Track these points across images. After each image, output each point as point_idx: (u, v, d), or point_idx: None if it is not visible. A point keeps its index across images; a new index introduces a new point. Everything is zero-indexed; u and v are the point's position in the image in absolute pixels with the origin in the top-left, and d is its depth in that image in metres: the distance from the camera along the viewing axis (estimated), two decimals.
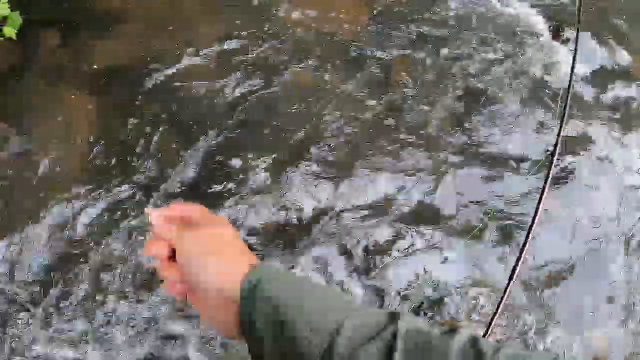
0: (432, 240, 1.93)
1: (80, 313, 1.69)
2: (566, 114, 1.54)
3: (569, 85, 1.64)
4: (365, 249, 1.87)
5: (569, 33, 2.54)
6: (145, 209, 0.79)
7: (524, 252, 1.42)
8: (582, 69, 2.46)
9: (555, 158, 1.50)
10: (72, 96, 2.09)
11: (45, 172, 1.91)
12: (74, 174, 1.92)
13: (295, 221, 1.89)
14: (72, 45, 2.20)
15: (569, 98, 1.55)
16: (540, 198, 1.47)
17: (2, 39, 2.10)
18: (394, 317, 0.61)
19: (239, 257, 0.72)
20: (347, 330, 0.60)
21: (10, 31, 2.10)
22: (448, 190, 2.04)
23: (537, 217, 1.42)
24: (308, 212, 1.92)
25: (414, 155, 2.09)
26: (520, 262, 1.39)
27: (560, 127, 1.53)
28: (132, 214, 1.86)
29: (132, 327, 1.69)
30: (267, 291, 0.66)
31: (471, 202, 2.03)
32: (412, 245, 1.91)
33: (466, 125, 2.20)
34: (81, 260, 1.77)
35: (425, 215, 1.98)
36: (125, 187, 1.91)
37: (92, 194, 1.88)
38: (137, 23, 2.27)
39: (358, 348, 0.59)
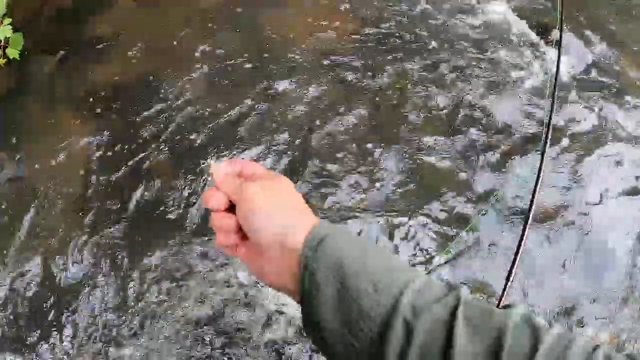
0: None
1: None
2: (553, 112, 1.57)
3: (554, 87, 1.69)
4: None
5: (555, 34, 2.58)
6: (208, 160, 0.82)
7: (519, 254, 1.45)
8: (569, 68, 2.50)
9: (544, 157, 1.53)
10: (70, 121, 2.11)
11: (42, 198, 1.92)
12: (72, 199, 1.93)
13: None
14: (69, 70, 2.24)
15: (555, 100, 1.59)
16: (532, 199, 1.50)
17: (4, 60, 2.14)
18: (454, 287, 0.63)
19: (302, 211, 0.73)
20: (412, 291, 0.61)
21: (13, 52, 2.14)
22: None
23: (529, 219, 1.45)
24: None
25: (407, 165, 2.12)
26: (515, 265, 1.42)
27: (549, 127, 1.57)
28: (128, 243, 1.85)
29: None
30: (331, 247, 0.66)
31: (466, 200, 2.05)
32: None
33: (458, 132, 2.22)
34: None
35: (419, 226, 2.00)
36: (123, 214, 1.91)
37: (90, 222, 1.88)
38: (133, 47, 2.30)
39: (423, 308, 0.60)
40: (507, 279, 1.47)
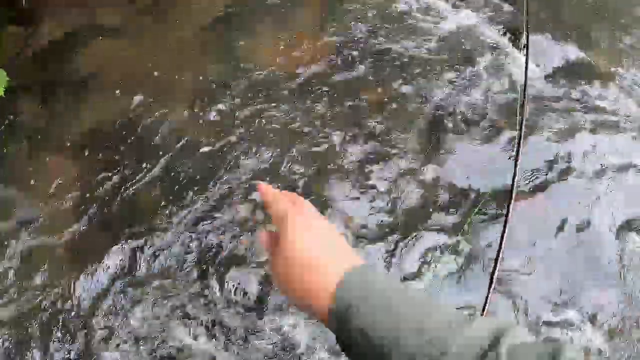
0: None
1: None
2: (524, 119, 1.62)
3: (524, 90, 1.74)
4: None
5: (522, 40, 2.66)
6: (255, 182, 0.87)
7: (500, 255, 1.48)
8: (540, 71, 2.56)
9: (518, 162, 1.57)
10: (55, 160, 2.13)
11: (29, 241, 1.92)
12: (60, 240, 1.93)
13: None
14: (53, 109, 2.27)
15: (526, 103, 1.65)
16: (510, 203, 1.54)
17: None
18: (498, 333, 0.59)
19: (342, 254, 0.73)
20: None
21: None
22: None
23: (506, 228, 1.49)
24: None
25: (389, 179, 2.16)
26: (497, 267, 1.46)
27: (520, 133, 1.61)
28: (120, 282, 1.85)
29: None
30: (357, 319, 0.64)
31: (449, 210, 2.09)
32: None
33: (438, 144, 2.26)
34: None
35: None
36: (112, 255, 1.90)
37: (79, 265, 1.88)
38: (116, 82, 2.34)
39: None
40: (490, 282, 1.50)
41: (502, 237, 1.47)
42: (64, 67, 2.41)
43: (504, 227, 1.44)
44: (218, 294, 1.81)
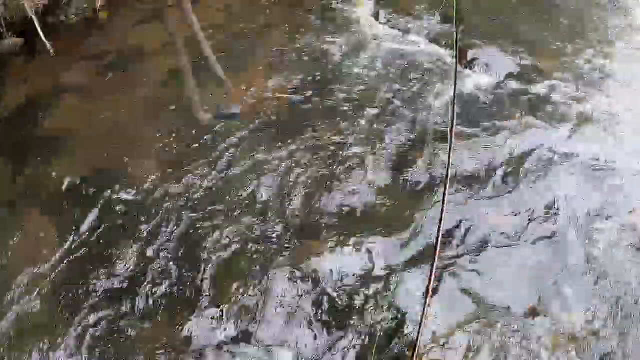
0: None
1: None
2: (454, 124, 1.70)
3: (453, 98, 1.82)
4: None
5: (472, 54, 2.81)
6: None
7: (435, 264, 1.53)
8: (488, 79, 2.72)
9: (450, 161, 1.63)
10: (31, 221, 2.16)
11: (10, 302, 1.93)
12: (41, 299, 1.94)
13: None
14: (25, 172, 2.32)
15: (454, 105, 1.73)
16: (443, 205, 1.59)
17: None
18: None
19: None
20: None
21: None
22: None
23: (439, 234, 1.55)
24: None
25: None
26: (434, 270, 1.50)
27: (450, 138, 1.68)
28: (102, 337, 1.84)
29: None
30: None
31: None
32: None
33: (402, 165, 2.32)
34: None
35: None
36: (94, 308, 1.91)
37: (60, 325, 1.87)
38: (84, 142, 2.41)
39: None
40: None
41: (439, 225, 1.54)
42: (34, 129, 2.49)
43: (441, 213, 1.51)
44: None
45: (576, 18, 3.16)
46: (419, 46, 2.88)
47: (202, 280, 1.94)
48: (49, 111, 2.56)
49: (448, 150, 1.62)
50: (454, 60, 2.32)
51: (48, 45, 2.75)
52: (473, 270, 1.95)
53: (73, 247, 2.04)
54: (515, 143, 2.37)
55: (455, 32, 2.10)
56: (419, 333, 1.43)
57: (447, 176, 1.54)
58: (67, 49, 2.84)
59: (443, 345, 1.72)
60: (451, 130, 1.65)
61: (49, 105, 2.58)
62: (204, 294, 1.90)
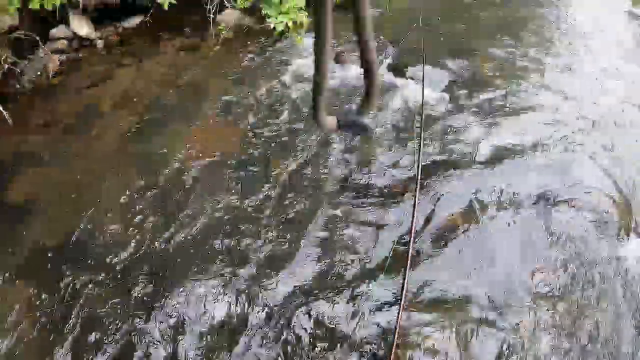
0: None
1: None
2: (422, 131, 1.75)
3: (422, 110, 1.89)
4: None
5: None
6: None
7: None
8: (439, 92, 2.87)
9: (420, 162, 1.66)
10: (4, 289, 2.11)
11: None
12: None
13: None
14: None
15: (422, 117, 1.79)
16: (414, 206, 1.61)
17: None
18: None
19: None
20: None
21: None
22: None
23: (412, 234, 1.57)
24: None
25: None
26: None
27: (421, 127, 1.72)
28: None
29: None
30: None
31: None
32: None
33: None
34: None
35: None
36: None
37: None
38: (50, 207, 2.39)
39: None
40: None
41: (412, 220, 1.56)
42: (1, 196, 2.44)
43: (413, 208, 1.53)
44: None
45: None
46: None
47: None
48: (15, 178, 2.53)
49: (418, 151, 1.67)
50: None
51: (5, 115, 2.72)
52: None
53: (48, 312, 1.96)
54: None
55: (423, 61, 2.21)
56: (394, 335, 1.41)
57: (418, 173, 1.57)
58: (25, 117, 2.85)
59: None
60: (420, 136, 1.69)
61: (12, 173, 2.55)
62: None
